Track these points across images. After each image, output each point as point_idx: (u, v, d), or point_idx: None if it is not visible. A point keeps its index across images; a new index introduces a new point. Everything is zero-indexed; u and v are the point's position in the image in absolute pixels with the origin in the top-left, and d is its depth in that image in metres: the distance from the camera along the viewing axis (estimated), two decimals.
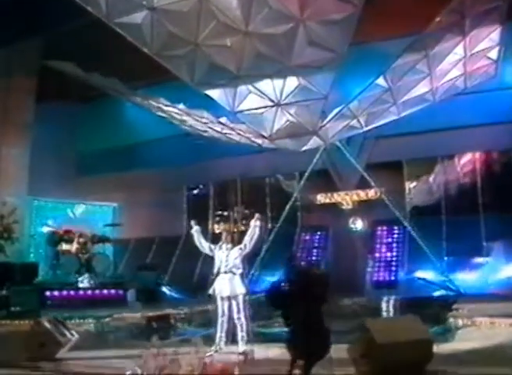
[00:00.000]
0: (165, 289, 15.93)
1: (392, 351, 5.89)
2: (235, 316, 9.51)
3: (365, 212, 16.56)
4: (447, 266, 14.74)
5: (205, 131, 15.48)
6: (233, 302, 9.54)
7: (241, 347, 9.35)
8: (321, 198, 17.27)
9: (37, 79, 17.17)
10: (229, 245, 9.65)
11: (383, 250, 16.06)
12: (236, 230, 16.52)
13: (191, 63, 12.06)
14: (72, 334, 9.35)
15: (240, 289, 9.58)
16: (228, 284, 9.44)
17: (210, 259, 18.34)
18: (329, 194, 17.14)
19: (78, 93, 19.06)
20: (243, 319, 9.48)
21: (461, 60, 12.78)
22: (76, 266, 15.26)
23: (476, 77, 13.97)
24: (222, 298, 9.62)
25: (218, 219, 19.05)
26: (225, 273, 9.49)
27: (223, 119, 13.80)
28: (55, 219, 16.74)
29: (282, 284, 6.69)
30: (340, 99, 12.87)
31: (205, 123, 14.01)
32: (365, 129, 14.01)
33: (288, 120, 12.96)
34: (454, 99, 14.75)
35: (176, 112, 14.04)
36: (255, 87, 12.29)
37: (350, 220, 16.84)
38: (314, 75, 11.86)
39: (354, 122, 13.53)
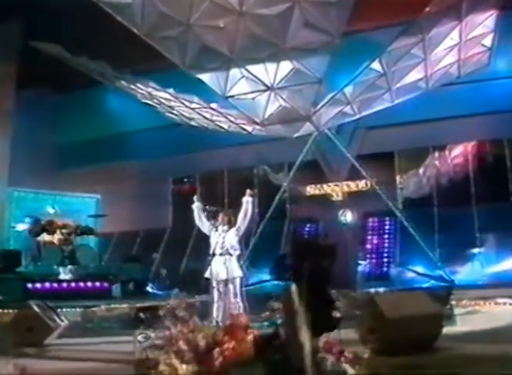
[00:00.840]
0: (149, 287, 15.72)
1: (400, 326, 5.81)
2: (231, 300, 9.38)
3: (356, 203, 16.52)
4: (440, 258, 14.72)
5: (192, 119, 15.32)
6: (230, 286, 9.42)
7: None
8: (310, 190, 17.22)
9: (17, 64, 16.83)
10: (225, 227, 9.53)
11: (374, 242, 16.03)
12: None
13: (183, 45, 11.93)
14: (61, 320, 9.14)
15: (238, 272, 9.46)
16: (224, 267, 9.31)
17: (196, 253, 18.26)
18: (319, 186, 17.10)
19: (57, 81, 18.79)
20: (240, 304, 9.36)
21: (456, 46, 12.81)
22: (58, 257, 14.96)
23: (470, 65, 14.02)
24: (218, 282, 9.48)
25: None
26: (222, 254, 9.37)
27: (213, 105, 13.64)
28: (35, 211, 16.35)
29: (287, 257, 6.63)
30: (334, 84, 12.79)
31: (194, 108, 13.84)
32: (358, 116, 13.96)
33: (281, 105, 12.88)
34: (447, 89, 14.82)
35: (164, 98, 13.86)
36: (248, 71, 12.18)
37: (340, 212, 16.79)
38: (309, 58, 11.80)
39: (348, 108, 13.48)
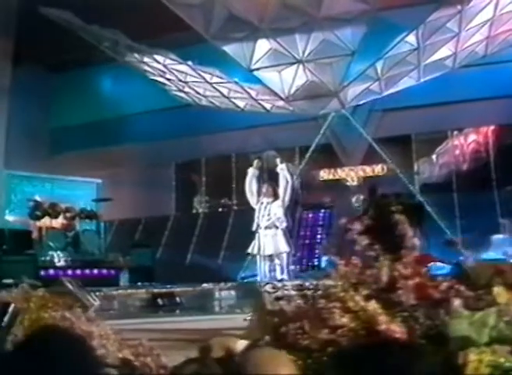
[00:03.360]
0: None
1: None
2: (278, 276, 9.12)
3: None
4: (463, 244, 14.59)
5: (205, 97, 14.94)
6: (276, 261, 9.16)
7: None
8: (324, 174, 16.99)
9: (14, 39, 16.23)
10: (270, 199, 9.30)
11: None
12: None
13: (208, 13, 11.60)
14: (94, 299, 8.74)
15: (284, 247, 9.23)
16: (271, 241, 9.06)
17: (203, 242, 17.84)
18: (333, 170, 16.88)
19: (51, 59, 18.25)
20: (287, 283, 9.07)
21: (489, 21, 12.69)
22: (61, 242, 14.43)
23: (496, 44, 13.93)
24: (264, 258, 9.23)
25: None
26: (268, 228, 9.14)
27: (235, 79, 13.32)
28: (32, 195, 15.77)
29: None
30: (363, 59, 12.55)
31: (213, 83, 13.46)
32: (383, 94, 13.77)
33: (308, 80, 12.60)
34: (466, 71, 14.75)
35: (181, 71, 13.45)
36: (277, 42, 11.88)
37: (354, 198, 16.61)
38: (343, 29, 11.56)
39: (374, 86, 13.27)
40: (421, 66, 13.04)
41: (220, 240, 16.90)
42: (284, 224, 8.94)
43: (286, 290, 4.48)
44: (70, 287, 8.94)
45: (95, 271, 14.18)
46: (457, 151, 16.50)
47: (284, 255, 8.97)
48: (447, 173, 16.44)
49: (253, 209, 17.43)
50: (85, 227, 15.34)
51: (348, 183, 16.68)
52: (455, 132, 16.60)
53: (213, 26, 11.63)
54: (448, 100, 15.75)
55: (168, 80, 14.71)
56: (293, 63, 12.26)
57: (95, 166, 17.95)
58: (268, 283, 4.39)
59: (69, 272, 13.81)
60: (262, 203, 9.03)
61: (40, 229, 14.76)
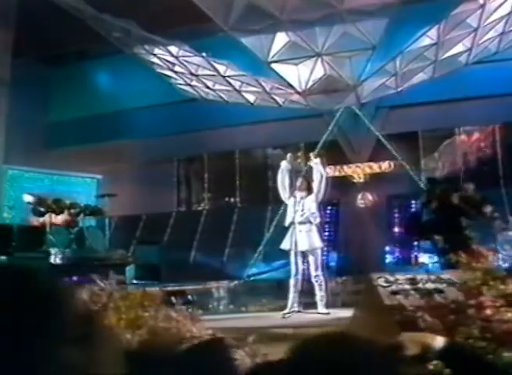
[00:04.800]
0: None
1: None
2: (312, 273, 8.99)
3: (378, 186, 16.32)
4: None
5: (214, 91, 14.74)
6: (311, 258, 9.02)
7: (320, 308, 8.84)
8: (330, 171, 16.85)
9: (14, 30, 15.83)
10: (304, 193, 9.17)
11: (402, 225, 15.83)
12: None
13: (227, 3, 11.41)
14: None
15: (318, 242, 9.10)
16: (305, 237, 8.92)
17: (206, 239, 17.61)
18: (339, 167, 16.77)
19: (46, 52, 17.87)
20: (321, 277, 8.99)
21: (505, 17, 12.72)
22: (65, 239, 14.06)
23: (509, 41, 14.00)
24: (296, 254, 9.08)
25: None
26: (302, 223, 9.00)
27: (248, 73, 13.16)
28: (31, 191, 15.38)
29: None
30: (382, 53, 12.46)
31: (226, 76, 13.25)
32: (398, 90, 13.72)
33: (325, 74, 12.47)
34: (474, 68, 14.78)
35: (194, 63, 13.22)
36: (296, 34, 11.74)
37: (360, 195, 16.59)
38: (365, 22, 11.45)
39: (391, 80, 13.21)
40: (437, 61, 13.01)
41: (224, 237, 16.71)
42: (318, 219, 8.79)
43: (400, 284, 4.35)
44: (102, 284, 8.71)
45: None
46: (464, 149, 16.54)
47: (318, 251, 8.81)
48: (454, 170, 16.45)
49: (257, 206, 17.52)
50: (88, 224, 14.98)
51: (355, 181, 16.59)
52: (461, 129, 16.62)
53: (232, 17, 11.43)
54: (457, 97, 15.81)
55: (176, 73, 14.49)
56: (312, 56, 12.12)
57: (94, 162, 17.62)
58: (380, 277, 4.22)
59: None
60: (296, 198, 8.86)
61: (42, 225, 14.37)
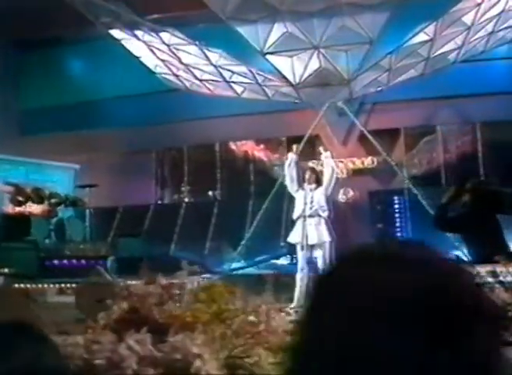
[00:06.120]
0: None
1: None
2: (320, 267, 8.92)
3: (361, 181, 16.41)
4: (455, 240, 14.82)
5: (201, 81, 14.52)
6: (318, 252, 8.97)
7: None
8: (312, 166, 16.85)
9: None
10: (313, 185, 9.11)
11: (385, 222, 15.98)
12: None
13: None
14: None
15: (327, 236, 9.04)
16: (315, 230, 8.85)
17: (186, 232, 17.36)
18: (321, 162, 16.74)
19: (26, 35, 17.30)
20: None
21: (497, 16, 12.93)
22: (44, 230, 13.66)
23: (496, 40, 14.25)
24: (303, 247, 9.00)
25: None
26: (311, 216, 8.92)
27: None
28: (6, 179, 14.86)
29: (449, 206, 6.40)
30: (378, 48, 12.50)
31: (217, 66, 13.06)
32: (389, 85, 13.80)
33: (321, 67, 12.43)
34: (456, 67, 15.00)
35: (184, 51, 12.98)
36: (294, 26, 11.65)
37: (342, 191, 16.63)
38: (364, 15, 11.46)
39: (383, 76, 13.26)
40: (429, 58, 13.13)
41: (205, 231, 16.50)
42: (326, 213, 8.73)
43: (482, 277, 4.31)
44: (108, 277, 8.47)
45: (83, 261, 13.52)
46: (445, 146, 16.79)
47: (327, 245, 8.75)
48: (435, 168, 16.68)
49: (238, 200, 17.39)
50: (67, 215, 14.59)
51: (337, 176, 16.60)
52: (443, 127, 16.86)
53: (230, 6, 11.28)
54: (438, 95, 16.01)
55: (163, 61, 14.22)
56: (308, 49, 12.06)
57: (71, 151, 17.12)
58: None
59: (55, 262, 13.16)
60: (305, 190, 8.80)
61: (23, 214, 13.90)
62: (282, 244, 16.66)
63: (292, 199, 17.16)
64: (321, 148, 9.33)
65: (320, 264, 9.00)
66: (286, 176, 9.23)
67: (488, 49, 14.50)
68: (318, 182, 9.14)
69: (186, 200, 17.84)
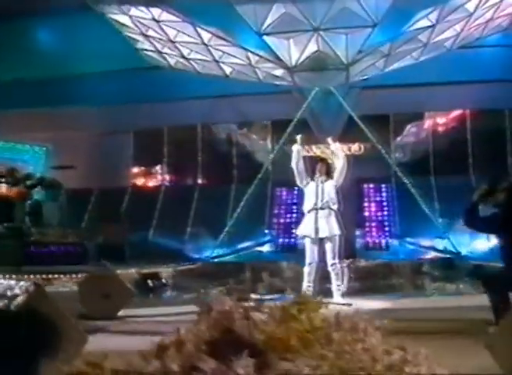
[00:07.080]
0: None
1: None
2: (329, 261, 8.56)
3: (348, 168, 16.06)
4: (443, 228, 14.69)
5: (187, 60, 13.87)
6: (328, 245, 8.59)
7: (336, 298, 8.45)
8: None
9: None
10: (323, 177, 8.70)
11: (372, 209, 15.73)
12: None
13: None
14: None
15: (337, 229, 8.66)
16: (325, 223, 8.45)
17: (165, 217, 16.80)
18: (307, 147, 16.36)
19: None
20: (338, 266, 8.58)
21: (496, 5, 12.64)
22: (21, 215, 12.94)
23: (491, 28, 14.01)
24: (312, 241, 8.62)
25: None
26: (322, 208, 8.52)
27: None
28: None
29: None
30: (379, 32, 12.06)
31: (209, 45, 12.43)
32: (385, 71, 13.42)
33: (319, 50, 11.95)
34: (446, 54, 14.75)
35: (174, 28, 12.31)
36: (295, 6, 11.11)
37: None
38: None
39: (381, 61, 12.87)
40: (428, 44, 12.80)
41: (185, 216, 15.98)
42: (336, 205, 8.34)
43: None
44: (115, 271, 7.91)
45: (62, 248, 12.89)
46: (435, 133, 16.60)
47: (337, 238, 8.38)
48: (425, 155, 16.47)
49: (220, 185, 16.87)
50: (38, 197, 13.85)
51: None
52: (431, 113, 16.66)
53: None
54: (428, 81, 15.75)
55: (148, 37, 13.51)
56: (308, 31, 11.55)
57: (43, 129, 16.30)
58: None
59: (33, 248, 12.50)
60: (314, 181, 8.40)
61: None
62: (265, 231, 16.37)
63: (275, 185, 16.96)
64: (329, 139, 8.88)
65: (329, 258, 8.62)
66: (293, 167, 8.77)
67: (483, 36, 14.27)
68: (328, 174, 8.72)
69: (166, 184, 17.22)
